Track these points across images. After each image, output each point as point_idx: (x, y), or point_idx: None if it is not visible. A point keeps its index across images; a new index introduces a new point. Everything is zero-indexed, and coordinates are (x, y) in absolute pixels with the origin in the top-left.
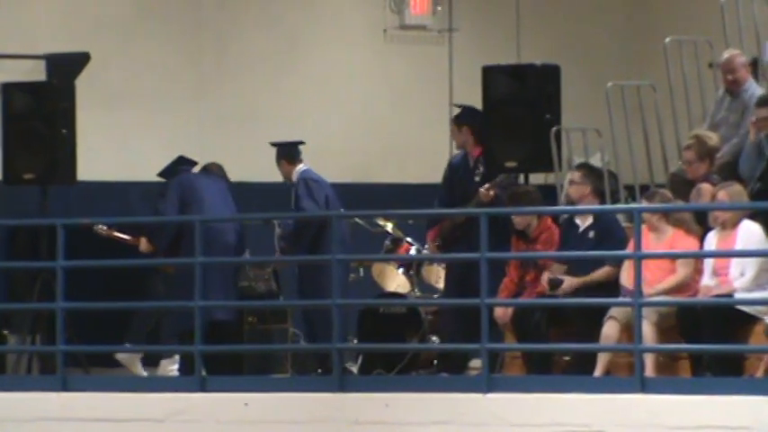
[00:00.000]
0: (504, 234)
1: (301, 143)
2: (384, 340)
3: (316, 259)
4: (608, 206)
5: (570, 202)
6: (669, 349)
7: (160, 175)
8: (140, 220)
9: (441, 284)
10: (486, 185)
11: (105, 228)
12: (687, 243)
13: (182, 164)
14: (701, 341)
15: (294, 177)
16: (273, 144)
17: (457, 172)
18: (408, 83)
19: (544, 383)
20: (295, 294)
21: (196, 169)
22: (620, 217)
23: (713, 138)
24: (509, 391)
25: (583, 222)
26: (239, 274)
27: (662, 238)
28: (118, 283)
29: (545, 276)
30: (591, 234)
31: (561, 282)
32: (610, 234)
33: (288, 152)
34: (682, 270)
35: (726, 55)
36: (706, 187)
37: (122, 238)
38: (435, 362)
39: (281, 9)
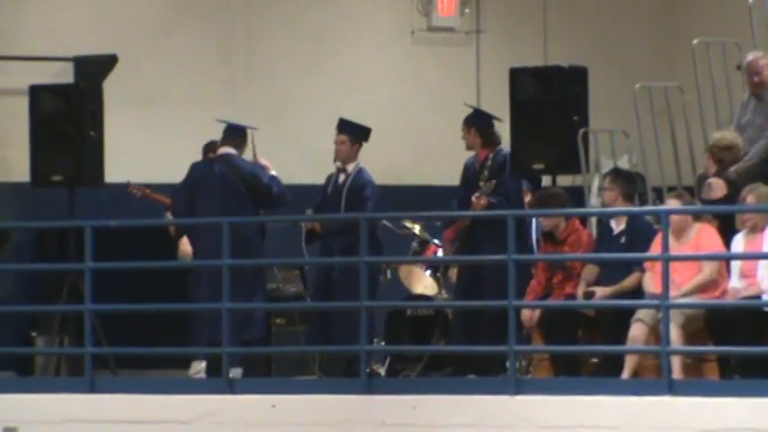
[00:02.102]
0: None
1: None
2: (411, 342)
3: (343, 261)
4: (635, 208)
5: (605, 207)
6: (697, 351)
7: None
8: (166, 223)
9: None
10: (476, 195)
11: (140, 187)
12: (712, 241)
13: (236, 130)
14: (729, 343)
15: (353, 167)
16: (350, 123)
17: (468, 174)
18: (436, 84)
19: (572, 386)
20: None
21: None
22: (651, 219)
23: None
24: (537, 394)
25: (617, 226)
26: (266, 278)
27: (686, 242)
28: (146, 285)
29: (580, 290)
30: (623, 239)
31: (594, 294)
32: (641, 240)
33: (365, 136)
34: (707, 268)
35: (750, 57)
36: (715, 181)
37: (157, 199)
38: (449, 367)
39: (310, 11)
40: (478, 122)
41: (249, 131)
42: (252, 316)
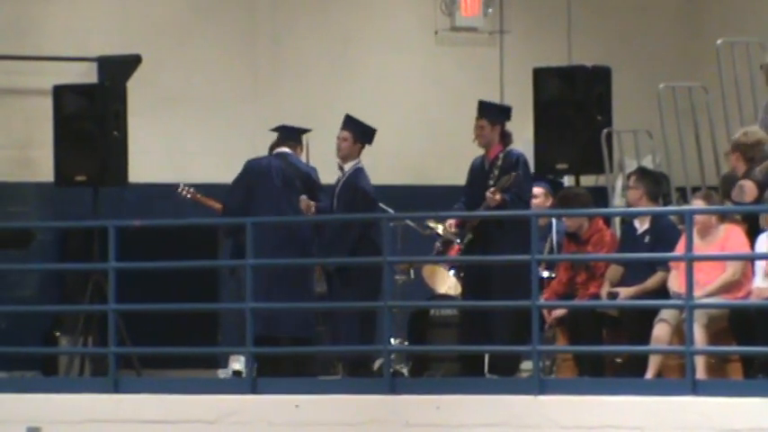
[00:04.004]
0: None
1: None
2: (434, 342)
3: (367, 261)
4: (658, 208)
5: (629, 206)
6: (720, 351)
7: (283, 132)
8: (190, 222)
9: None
10: (492, 189)
11: (191, 190)
12: (739, 241)
13: (290, 132)
14: (753, 343)
15: (350, 166)
16: (355, 121)
17: (476, 174)
18: (459, 84)
19: (596, 386)
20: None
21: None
22: (675, 219)
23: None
24: (560, 394)
25: (641, 226)
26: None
27: (712, 241)
28: (170, 284)
29: (603, 290)
30: (647, 239)
31: (617, 295)
32: (665, 240)
33: (369, 137)
34: (731, 268)
35: None
36: (747, 184)
37: (207, 203)
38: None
39: (334, 12)
40: (505, 119)
41: (305, 136)
42: (307, 316)
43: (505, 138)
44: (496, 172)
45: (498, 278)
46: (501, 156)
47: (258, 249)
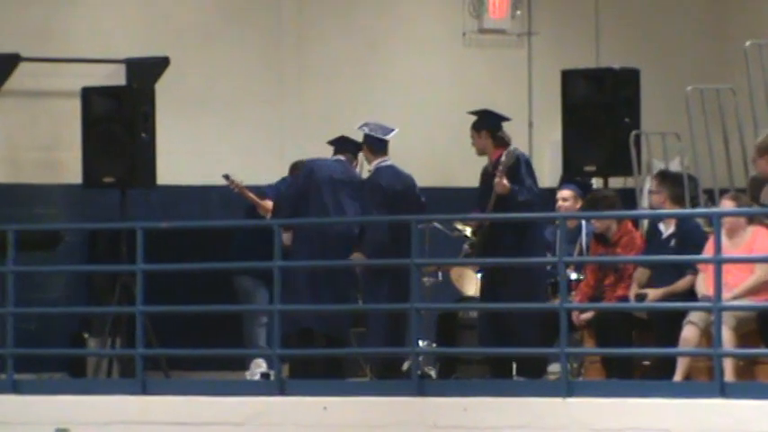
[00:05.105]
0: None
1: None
2: (462, 345)
3: (395, 263)
4: (686, 210)
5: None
6: (749, 354)
7: (330, 143)
8: (218, 224)
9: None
10: (497, 173)
11: (240, 183)
12: (766, 243)
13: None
14: None
15: (374, 165)
16: (355, 144)
17: (485, 178)
18: (487, 87)
19: (624, 388)
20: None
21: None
22: (702, 222)
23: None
24: (588, 396)
25: (666, 229)
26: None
27: (740, 243)
28: (197, 286)
29: (632, 292)
30: (672, 242)
31: (645, 296)
32: (691, 242)
33: (369, 142)
34: (759, 270)
35: None
36: None
37: (254, 200)
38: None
39: (360, 14)
40: (489, 124)
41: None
42: (342, 318)
43: (500, 142)
44: (501, 167)
45: (512, 279)
46: (503, 156)
47: (308, 247)
